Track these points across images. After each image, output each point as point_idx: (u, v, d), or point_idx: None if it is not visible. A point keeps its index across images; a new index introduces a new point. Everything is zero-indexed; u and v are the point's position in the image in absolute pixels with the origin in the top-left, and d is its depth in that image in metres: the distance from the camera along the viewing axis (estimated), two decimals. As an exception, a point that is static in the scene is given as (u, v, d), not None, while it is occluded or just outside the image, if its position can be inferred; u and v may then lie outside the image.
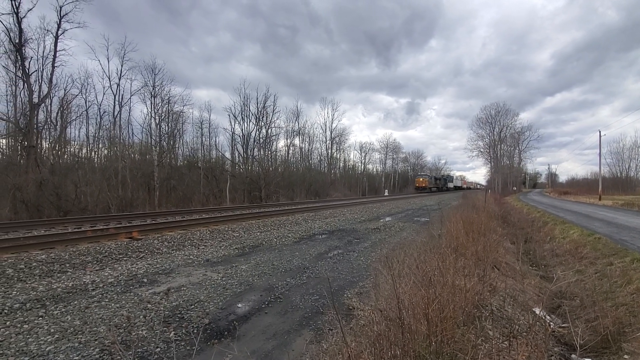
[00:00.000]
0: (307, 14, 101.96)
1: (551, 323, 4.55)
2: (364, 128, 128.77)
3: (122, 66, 24.11)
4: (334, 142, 49.54)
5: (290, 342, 3.26)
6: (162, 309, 3.89)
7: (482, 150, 58.88)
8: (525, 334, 3.03)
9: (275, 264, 6.04)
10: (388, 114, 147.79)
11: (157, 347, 2.99)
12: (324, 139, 48.41)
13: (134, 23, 52.63)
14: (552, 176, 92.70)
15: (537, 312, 4.27)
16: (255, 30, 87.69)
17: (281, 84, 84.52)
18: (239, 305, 4.12)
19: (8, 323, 3.42)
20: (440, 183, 63.77)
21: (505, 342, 2.54)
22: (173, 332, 3.32)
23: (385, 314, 2.25)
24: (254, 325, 3.59)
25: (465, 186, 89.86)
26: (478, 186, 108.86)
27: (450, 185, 72.49)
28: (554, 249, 9.66)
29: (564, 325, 4.70)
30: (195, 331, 3.35)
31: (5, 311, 3.71)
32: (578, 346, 2.72)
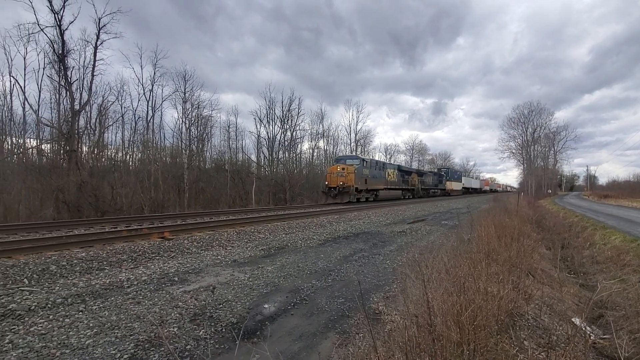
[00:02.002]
0: (330, 16, 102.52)
1: (592, 334, 4.27)
2: (388, 129, 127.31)
3: (154, 73, 25.27)
4: (359, 144, 49.20)
5: (317, 344, 3.25)
6: (192, 307, 4.01)
7: (514, 151, 56.48)
8: (563, 345, 2.86)
9: (301, 266, 6.06)
10: (413, 115, 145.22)
11: (188, 345, 3.08)
12: (349, 141, 48.18)
13: (163, 31, 55.00)
14: (590, 178, 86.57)
15: (577, 322, 4.02)
16: (279, 34, 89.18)
17: (305, 86, 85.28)
18: (266, 305, 4.17)
19: (51, 317, 3.64)
20: (419, 182, 35.82)
21: (542, 354, 2.41)
22: (202, 330, 3.40)
23: (415, 320, 2.20)
24: (281, 326, 3.61)
25: (488, 188, 79.96)
26: (509, 189, 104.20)
27: (455, 186, 51.37)
28: (594, 256, 9.09)
29: (605, 336, 4.40)
30: (223, 330, 3.42)
31: (49, 305, 3.95)
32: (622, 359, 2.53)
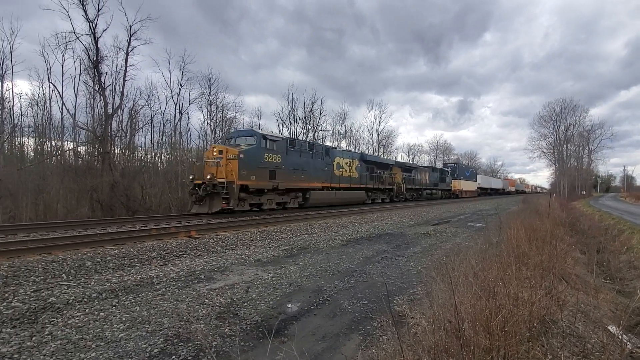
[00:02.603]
0: (353, 15, 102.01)
1: (629, 343, 4.01)
2: (411, 129, 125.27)
3: (182, 77, 26.14)
4: (381, 144, 48.78)
5: (340, 345, 3.24)
6: (217, 304, 4.10)
7: (545, 150, 53.96)
8: (598, 354, 2.72)
9: (323, 267, 6.07)
10: (437, 114, 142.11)
11: (214, 341, 3.15)
12: (371, 142, 47.84)
13: (190, 36, 56.70)
14: (628, 179, 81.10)
15: (613, 330, 3.79)
16: (301, 35, 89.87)
17: (326, 86, 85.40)
18: (289, 305, 4.20)
19: (87, 310, 3.83)
20: (405, 180, 27.11)
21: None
22: (228, 328, 3.48)
23: (441, 324, 2.15)
24: (304, 326, 3.63)
25: (513, 189, 72.61)
26: (539, 190, 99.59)
27: (466, 185, 42.29)
28: (632, 261, 8.56)
29: (643, 345, 4.12)
30: (248, 328, 3.48)
31: (85, 299, 4.16)
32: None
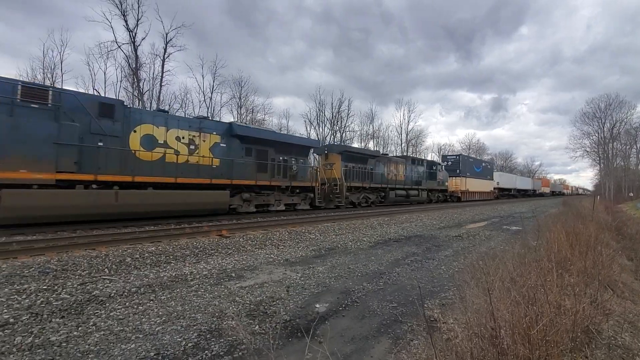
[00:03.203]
0: (380, 14, 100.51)
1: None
2: (441, 128, 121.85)
3: (213, 81, 27.05)
4: (410, 144, 47.90)
5: (369, 347, 3.21)
6: (247, 302, 4.19)
7: (588, 149, 50.65)
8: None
9: (351, 268, 6.04)
10: (469, 112, 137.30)
11: (245, 338, 3.22)
12: (399, 142, 47.13)
13: (221, 40, 58.52)
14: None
15: None
16: (328, 36, 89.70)
17: (354, 87, 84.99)
18: (317, 305, 4.22)
19: (127, 304, 4.04)
20: (358, 172, 19.70)
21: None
22: (257, 326, 3.55)
23: (477, 331, 2.07)
24: (332, 326, 3.63)
25: (548, 190, 64.14)
26: (580, 191, 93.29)
27: (475, 185, 33.79)
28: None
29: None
30: (277, 326, 3.53)
31: (125, 293, 4.40)
32: None
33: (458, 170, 31.58)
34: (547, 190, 65.62)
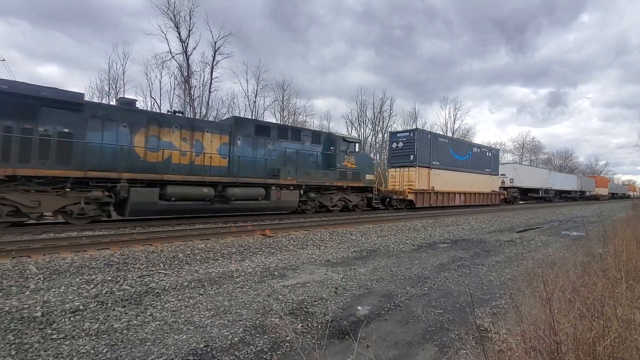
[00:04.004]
0: (424, 10, 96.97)
1: None
2: (491, 126, 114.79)
3: (257, 85, 28.04)
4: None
5: (413, 354, 3.10)
6: (290, 301, 4.27)
7: (663, 146, 44.51)
8: None
9: (394, 271, 5.90)
10: (522, 108, 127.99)
11: (287, 336, 3.28)
12: (444, 141, 45.16)
13: (263, 46, 60.44)
14: None
15: None
16: (369, 36, 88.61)
17: (395, 86, 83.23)
18: (359, 308, 4.17)
19: (179, 297, 4.31)
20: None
21: None
22: (300, 324, 3.59)
23: (533, 344, 1.91)
24: (374, 330, 3.56)
25: (607, 192, 52.09)
26: None
27: (445, 180, 20.80)
28: None
29: None
30: (319, 326, 3.54)
31: (178, 287, 4.69)
32: None
33: (412, 156, 19.17)
34: (603, 191, 52.44)
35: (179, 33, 21.70)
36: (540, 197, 35.02)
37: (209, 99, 23.53)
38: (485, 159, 25.23)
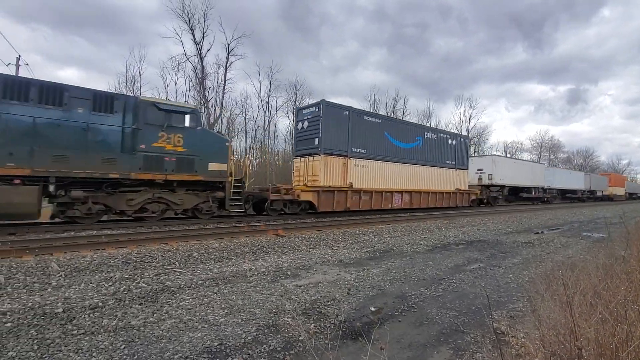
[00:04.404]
0: (437, 7, 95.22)
1: None
2: (508, 125, 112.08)
3: (270, 86, 28.24)
4: (472, 142, 44.93)
5: (427, 357, 3.06)
6: (303, 300, 4.27)
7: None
8: None
9: (407, 272, 5.84)
10: (540, 106, 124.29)
11: (300, 336, 3.28)
12: (459, 140, 44.38)
13: (276, 46, 60.75)
14: None
15: None
16: (382, 35, 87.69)
17: (408, 85, 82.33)
18: (372, 308, 4.14)
19: (194, 295, 4.37)
20: None
21: None
22: (313, 325, 3.59)
23: (552, 349, 1.85)
24: (388, 331, 3.53)
25: (621, 191, 45.44)
26: None
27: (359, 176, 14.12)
28: None
29: None
30: (331, 326, 3.54)
31: (193, 285, 4.76)
32: None
33: (317, 140, 13.45)
34: (619, 191, 46.09)
35: (194, 35, 22.14)
36: (534, 198, 29.02)
37: (222, 100, 23.90)
38: (446, 148, 18.82)
